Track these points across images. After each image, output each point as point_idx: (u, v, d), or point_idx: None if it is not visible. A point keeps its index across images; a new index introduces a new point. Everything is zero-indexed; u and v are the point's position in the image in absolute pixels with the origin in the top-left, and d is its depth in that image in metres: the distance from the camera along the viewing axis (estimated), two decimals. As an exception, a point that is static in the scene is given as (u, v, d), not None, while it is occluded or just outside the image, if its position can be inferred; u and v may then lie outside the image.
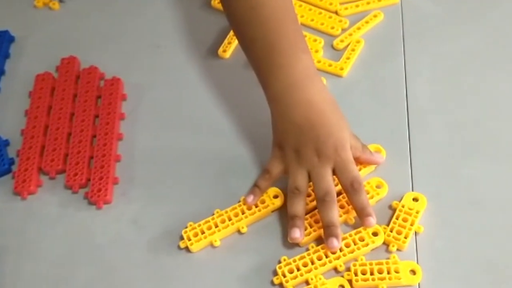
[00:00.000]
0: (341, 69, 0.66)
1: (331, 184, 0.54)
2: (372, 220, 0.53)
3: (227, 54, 0.70)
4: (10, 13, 0.79)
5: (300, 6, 0.72)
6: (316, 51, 0.68)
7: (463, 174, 0.58)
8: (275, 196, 0.57)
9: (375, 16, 0.70)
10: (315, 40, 0.69)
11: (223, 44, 0.71)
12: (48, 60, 0.72)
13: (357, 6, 0.72)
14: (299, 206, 0.55)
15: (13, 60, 0.73)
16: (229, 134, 0.64)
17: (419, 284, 0.52)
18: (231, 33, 0.71)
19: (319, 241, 0.55)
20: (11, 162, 0.63)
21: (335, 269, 0.53)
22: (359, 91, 0.65)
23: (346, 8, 0.71)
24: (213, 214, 0.57)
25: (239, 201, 0.57)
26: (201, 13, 0.75)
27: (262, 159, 0.61)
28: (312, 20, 0.71)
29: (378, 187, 0.57)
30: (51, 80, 0.69)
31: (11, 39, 0.75)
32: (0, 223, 0.60)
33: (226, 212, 0.56)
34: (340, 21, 0.70)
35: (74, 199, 0.60)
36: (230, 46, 0.70)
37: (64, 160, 0.62)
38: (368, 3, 0.71)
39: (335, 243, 0.52)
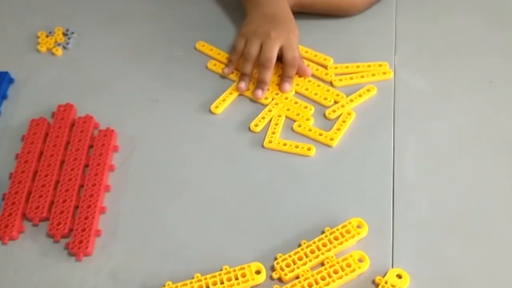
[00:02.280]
0: (331, 139, 0.67)
1: (274, 56, 0.72)
2: (288, 85, 0.73)
3: (219, 110, 0.72)
4: (12, 55, 0.80)
5: (300, 76, 0.74)
6: (307, 119, 0.69)
7: (445, 253, 0.59)
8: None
9: (368, 90, 0.72)
10: (305, 107, 0.71)
11: (216, 101, 0.72)
12: (44, 105, 0.73)
13: (351, 78, 0.74)
14: (248, 67, 0.74)
15: (10, 102, 0.74)
16: (216, 191, 0.64)
17: None
18: (227, 91, 0.73)
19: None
20: (-5, 205, 0.63)
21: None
22: (347, 162, 0.66)
23: (341, 80, 0.74)
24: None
25: (222, 269, 0.57)
26: (197, 73, 0.77)
27: (248, 215, 0.62)
28: (307, 89, 0.73)
29: (360, 260, 0.57)
30: (45, 126, 0.69)
31: (11, 81, 0.76)
32: (-23, 266, 0.59)
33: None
34: (338, 94, 0.72)
35: (55, 248, 0.60)
36: (223, 104, 0.72)
37: (49, 208, 0.62)
38: (362, 76, 0.74)
39: (260, 93, 0.72)
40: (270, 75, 0.72)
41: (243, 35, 0.76)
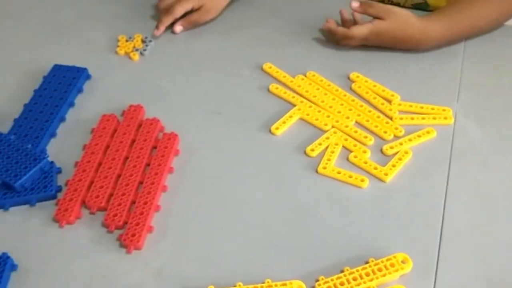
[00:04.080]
0: (385, 174, 0.68)
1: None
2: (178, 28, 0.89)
3: (279, 132, 0.74)
4: (92, 54, 0.86)
5: (361, 106, 0.76)
6: (364, 152, 0.71)
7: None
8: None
9: (428, 132, 0.73)
10: (365, 137, 0.72)
11: (277, 122, 0.74)
12: (115, 103, 0.78)
13: (412, 118, 0.75)
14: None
15: (84, 96, 0.79)
16: (265, 208, 0.66)
17: None
18: (288, 114, 0.75)
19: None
20: (59, 189, 0.67)
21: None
22: (398, 198, 0.67)
23: (402, 118, 0.75)
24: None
25: (264, 282, 0.58)
26: (261, 93, 0.80)
27: (294, 234, 0.63)
28: (368, 120, 0.74)
29: (400, 296, 0.58)
30: (115, 122, 0.73)
31: (88, 77, 0.81)
32: (32, 244, 0.63)
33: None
34: (396, 128, 0.73)
35: (107, 238, 0.63)
36: (284, 126, 0.74)
37: (108, 199, 0.65)
38: (423, 118, 0.75)
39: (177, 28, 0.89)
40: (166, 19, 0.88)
41: None
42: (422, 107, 0.76)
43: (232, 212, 0.66)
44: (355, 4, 0.84)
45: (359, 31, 0.83)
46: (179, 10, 0.88)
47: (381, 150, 0.71)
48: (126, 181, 0.67)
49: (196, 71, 0.83)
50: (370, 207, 0.66)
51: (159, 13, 0.89)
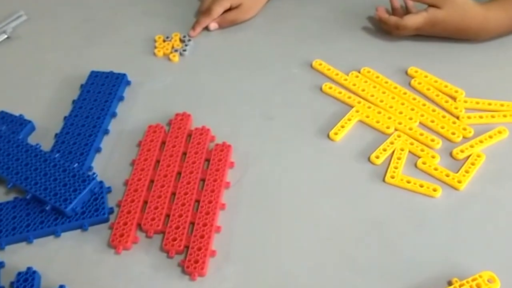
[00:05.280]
0: (459, 182, 0.63)
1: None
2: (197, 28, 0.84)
3: (338, 138, 0.69)
4: (129, 56, 0.80)
5: (424, 105, 0.71)
6: (433, 157, 0.66)
7: None
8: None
9: (499, 132, 0.68)
10: (432, 140, 0.67)
11: (335, 127, 0.69)
12: (160, 111, 0.73)
13: (481, 117, 0.69)
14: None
15: (126, 104, 0.74)
16: (330, 223, 0.62)
17: None
18: (346, 117, 0.70)
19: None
20: (111, 211, 0.62)
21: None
22: (476, 208, 0.62)
23: (469, 117, 0.69)
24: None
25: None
26: (313, 93, 0.75)
27: (363, 253, 0.58)
28: (433, 121, 0.69)
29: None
30: (162, 134, 0.69)
31: (128, 83, 0.76)
32: (89, 273, 0.59)
33: None
34: (464, 129, 0.68)
35: (168, 264, 0.59)
36: (343, 130, 0.69)
37: (164, 221, 0.61)
38: (492, 116, 0.69)
39: (191, 32, 0.83)
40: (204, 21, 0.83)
41: None
42: (490, 104, 0.70)
43: (298, 229, 0.61)
44: None
45: (413, 20, 0.77)
46: (217, 10, 0.82)
47: (451, 154, 0.66)
48: (182, 200, 0.62)
49: (240, 72, 0.78)
50: (446, 219, 0.61)
51: (199, 14, 0.84)
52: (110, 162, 0.68)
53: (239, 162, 0.67)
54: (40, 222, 0.61)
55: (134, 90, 0.76)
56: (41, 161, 0.64)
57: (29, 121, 0.71)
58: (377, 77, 0.75)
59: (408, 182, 0.63)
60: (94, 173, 0.63)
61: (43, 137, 0.70)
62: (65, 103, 0.74)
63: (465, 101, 0.71)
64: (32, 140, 0.70)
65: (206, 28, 0.83)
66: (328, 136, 0.69)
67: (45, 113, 0.73)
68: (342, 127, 0.69)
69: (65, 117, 0.71)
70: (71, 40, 0.83)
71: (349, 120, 0.70)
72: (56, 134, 0.70)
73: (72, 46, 0.83)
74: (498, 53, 0.77)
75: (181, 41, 0.81)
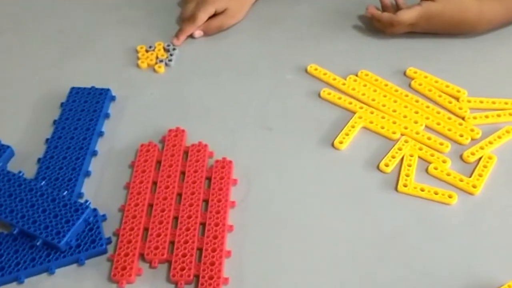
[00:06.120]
0: (474, 186, 0.61)
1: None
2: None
3: (343, 146, 0.65)
4: (112, 70, 0.75)
5: (428, 107, 0.68)
6: (444, 162, 0.63)
7: None
8: None
9: (507, 131, 0.66)
10: (441, 144, 0.65)
11: (340, 135, 0.66)
12: (150, 127, 0.68)
13: (486, 117, 0.67)
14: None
15: (112, 121, 0.69)
16: (343, 238, 0.58)
17: None
18: (349, 124, 0.67)
19: None
20: (108, 241, 0.57)
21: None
22: (494, 214, 0.60)
23: (475, 118, 0.67)
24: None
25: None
26: (310, 100, 0.71)
27: (380, 268, 0.55)
28: (439, 124, 0.67)
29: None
30: (156, 152, 0.64)
31: (112, 98, 0.71)
32: (89, 310, 0.54)
33: None
34: (472, 130, 0.66)
35: (177, 296, 0.54)
36: (347, 138, 0.66)
37: (169, 249, 0.57)
38: (498, 115, 0.67)
39: (174, 40, 0.78)
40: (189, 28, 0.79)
41: None
42: (494, 102, 0.68)
43: (312, 247, 0.57)
44: None
45: (407, 15, 0.74)
46: (202, 17, 0.77)
47: (461, 157, 0.64)
48: (186, 224, 0.58)
49: (231, 80, 0.74)
50: (465, 226, 0.59)
51: (182, 21, 0.79)
52: (102, 187, 0.62)
53: (242, 178, 0.63)
54: (31, 259, 0.55)
55: (119, 105, 0.71)
56: (26, 190, 0.58)
57: (8, 146, 0.64)
58: (376, 80, 0.72)
59: (422, 190, 0.61)
60: (87, 201, 0.58)
61: (24, 163, 0.64)
62: (45, 124, 0.68)
63: (469, 101, 0.69)
64: (12, 167, 0.64)
65: (191, 36, 0.79)
66: (332, 145, 0.66)
67: (24, 136, 0.67)
68: (347, 135, 0.66)
69: (47, 140, 0.66)
70: (45, 54, 0.77)
71: (353, 127, 0.67)
72: (39, 159, 0.64)
73: (47, 60, 0.76)
74: (495, 47, 0.76)
75: (165, 50, 0.77)
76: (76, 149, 0.64)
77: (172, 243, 0.57)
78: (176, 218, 0.59)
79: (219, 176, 0.62)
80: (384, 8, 0.79)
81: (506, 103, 0.68)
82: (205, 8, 0.77)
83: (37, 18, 0.83)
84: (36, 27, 0.81)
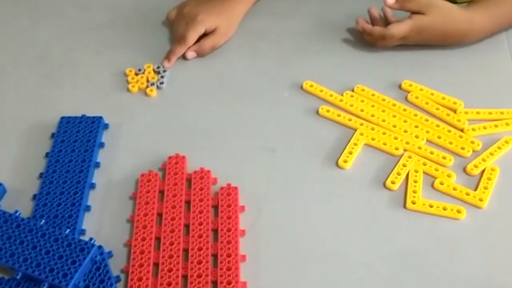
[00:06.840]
0: (481, 200, 0.61)
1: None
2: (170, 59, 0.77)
3: (348, 165, 0.65)
4: (101, 96, 0.72)
5: (427, 121, 0.68)
6: (449, 176, 0.63)
7: None
8: None
9: (506, 142, 0.66)
10: (444, 158, 0.65)
11: (343, 154, 0.65)
12: (147, 155, 0.65)
13: (484, 128, 0.68)
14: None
15: (108, 151, 0.66)
16: (356, 259, 0.57)
17: None
18: (351, 142, 0.66)
19: None
20: (118, 280, 0.55)
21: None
22: (504, 227, 0.60)
23: (474, 129, 0.68)
24: None
25: None
26: (309, 118, 0.70)
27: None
28: (439, 137, 0.67)
29: None
30: (158, 182, 0.62)
31: (105, 126, 0.68)
32: None
33: None
34: (472, 142, 0.66)
35: (195, 333, 0.52)
36: (351, 157, 0.65)
37: (182, 284, 0.54)
38: (496, 126, 0.68)
39: (165, 62, 0.76)
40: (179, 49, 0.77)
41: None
42: (490, 113, 0.69)
43: (327, 272, 0.56)
44: (391, 1, 0.75)
45: (398, 29, 0.74)
46: (192, 37, 0.75)
47: (465, 170, 0.64)
48: (197, 257, 0.56)
49: (226, 101, 0.72)
50: (477, 241, 0.58)
51: (172, 42, 0.77)
52: (104, 221, 0.60)
53: (249, 204, 0.61)
54: (37, 305, 0.53)
55: (113, 133, 0.68)
56: (25, 231, 0.55)
57: (-1, 184, 0.62)
58: (373, 94, 0.71)
59: (431, 206, 0.60)
60: (91, 239, 0.55)
61: (17, 201, 0.61)
62: (37, 157, 0.65)
63: (466, 112, 0.69)
64: (5, 205, 0.61)
65: (183, 57, 0.77)
66: (337, 164, 0.65)
67: (15, 171, 0.64)
68: (350, 153, 0.65)
69: (41, 174, 0.63)
70: (27, 82, 0.74)
71: (355, 144, 0.66)
72: (34, 196, 0.61)
73: (31, 89, 0.73)
74: (488, 57, 0.76)
75: (156, 72, 0.74)
76: (73, 183, 0.61)
77: (184, 277, 0.55)
78: (185, 251, 0.57)
79: (226, 203, 0.60)
80: (373, 21, 0.79)
81: (502, 113, 0.69)
82: (195, 28, 0.76)
83: (13, 44, 0.79)
84: (14, 53, 0.78)
